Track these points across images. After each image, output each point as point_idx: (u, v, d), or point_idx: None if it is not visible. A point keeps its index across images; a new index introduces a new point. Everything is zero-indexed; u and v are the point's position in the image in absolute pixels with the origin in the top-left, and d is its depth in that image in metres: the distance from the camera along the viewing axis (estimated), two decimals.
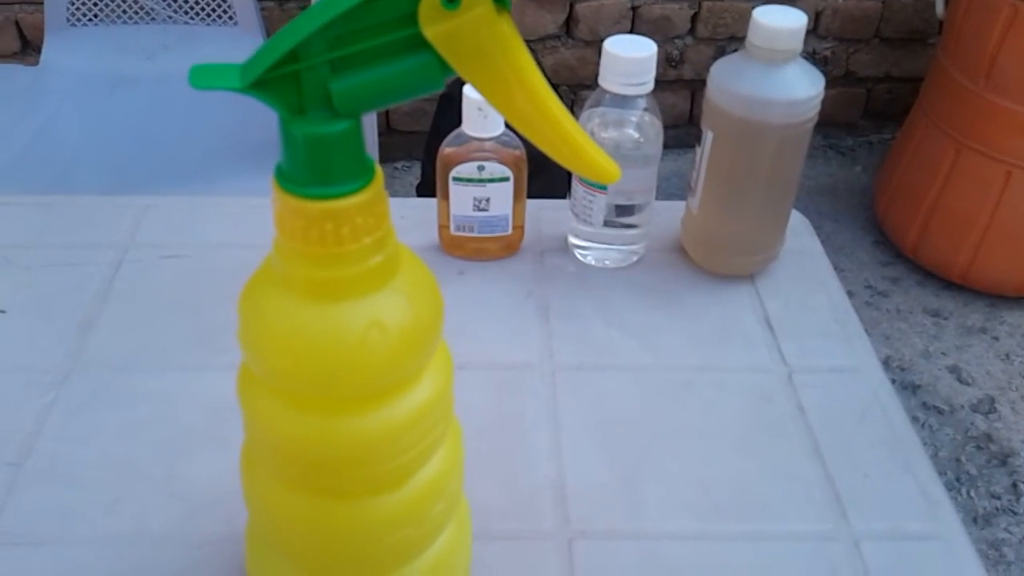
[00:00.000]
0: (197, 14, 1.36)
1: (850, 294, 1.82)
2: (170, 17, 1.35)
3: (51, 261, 0.66)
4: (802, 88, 0.60)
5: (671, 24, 1.96)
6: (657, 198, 0.67)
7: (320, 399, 0.37)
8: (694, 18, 1.96)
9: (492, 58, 0.31)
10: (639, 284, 0.67)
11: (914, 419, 1.59)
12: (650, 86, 0.62)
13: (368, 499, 0.39)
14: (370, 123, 1.30)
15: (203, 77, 0.31)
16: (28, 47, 1.80)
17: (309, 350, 0.35)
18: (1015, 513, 1.45)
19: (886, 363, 1.68)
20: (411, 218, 0.69)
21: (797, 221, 0.73)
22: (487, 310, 0.64)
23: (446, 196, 0.66)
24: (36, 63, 1.32)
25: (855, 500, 0.52)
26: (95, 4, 1.34)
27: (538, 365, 0.60)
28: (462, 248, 0.68)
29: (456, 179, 0.64)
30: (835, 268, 2.05)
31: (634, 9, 1.93)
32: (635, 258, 0.69)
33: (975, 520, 1.45)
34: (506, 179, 0.64)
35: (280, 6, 1.76)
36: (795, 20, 0.59)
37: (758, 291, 0.66)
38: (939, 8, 1.76)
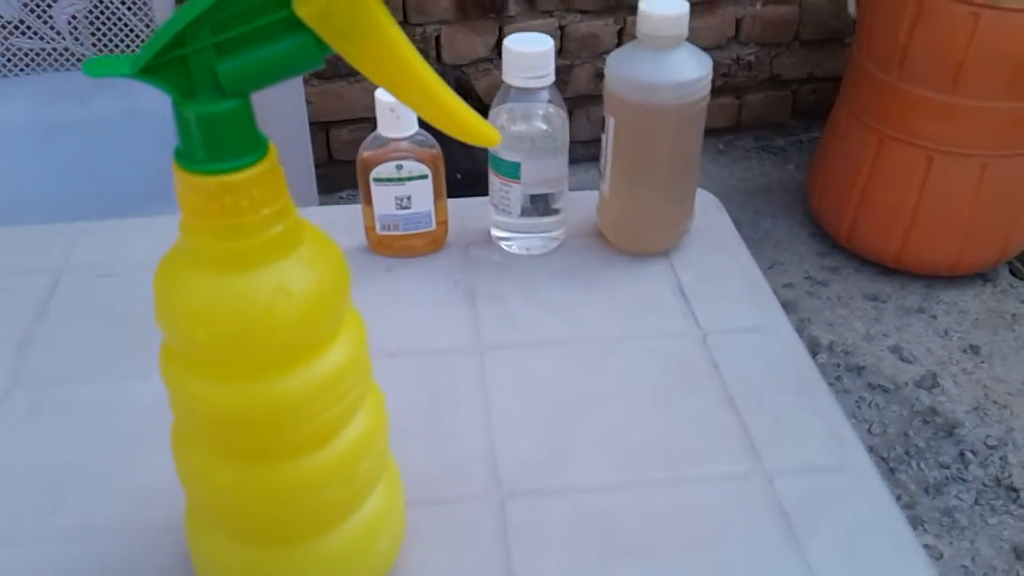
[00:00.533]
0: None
1: (791, 286, 1.87)
2: None
3: None
4: (691, 70, 0.64)
5: (599, 40, 2.02)
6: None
7: (237, 366, 0.39)
8: (620, 33, 2.02)
9: (362, 33, 0.35)
10: (560, 267, 0.70)
11: (860, 399, 1.64)
12: (551, 79, 0.66)
13: (294, 460, 0.41)
14: (306, 155, 1.33)
15: (97, 66, 0.34)
16: None
17: (220, 318, 0.38)
18: (964, 480, 1.50)
19: (830, 348, 1.73)
20: (339, 223, 0.72)
21: (707, 200, 0.76)
22: (416, 301, 0.67)
23: (368, 198, 0.69)
24: None
25: (768, 442, 0.55)
26: (26, 54, 1.36)
27: (466, 347, 0.63)
28: (389, 247, 0.71)
29: (376, 180, 0.67)
30: (775, 263, 2.08)
31: (561, 28, 1.99)
32: (556, 244, 0.72)
33: (927, 491, 1.49)
34: (424, 176, 0.67)
35: None
36: (679, 8, 0.63)
37: (672, 265, 0.70)
38: (851, 7, 1.84)
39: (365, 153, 0.67)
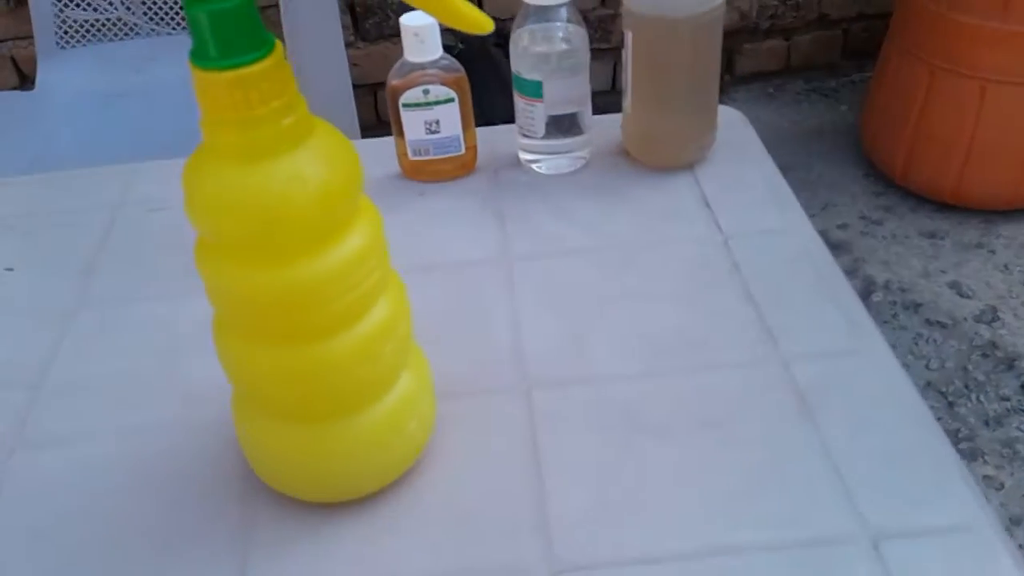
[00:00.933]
0: (179, 24, 1.44)
1: (844, 226, 1.86)
2: (153, 30, 1.42)
3: (51, 224, 0.73)
4: None
5: None
6: None
7: (262, 253, 0.43)
8: None
9: None
10: (586, 184, 0.72)
11: (918, 336, 1.63)
12: None
13: (324, 341, 0.45)
14: (351, 116, 1.36)
15: None
16: (26, 81, 1.90)
17: (240, 208, 0.41)
18: None
19: (886, 286, 1.72)
20: (373, 153, 0.75)
21: (733, 115, 0.78)
22: (447, 221, 0.70)
23: (399, 125, 0.72)
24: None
25: (785, 331, 0.57)
26: (81, 26, 1.42)
27: (495, 259, 0.66)
28: (421, 172, 0.74)
29: (405, 105, 0.70)
30: (828, 204, 2.06)
31: None
32: (582, 163, 0.74)
33: (987, 423, 1.48)
34: (451, 100, 0.70)
35: (262, 13, 1.83)
36: None
37: (696, 178, 0.72)
38: None
39: (394, 81, 0.70)
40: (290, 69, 0.41)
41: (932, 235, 1.83)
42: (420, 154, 0.73)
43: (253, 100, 0.39)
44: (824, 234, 1.85)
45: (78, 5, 1.41)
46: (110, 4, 1.41)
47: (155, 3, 1.43)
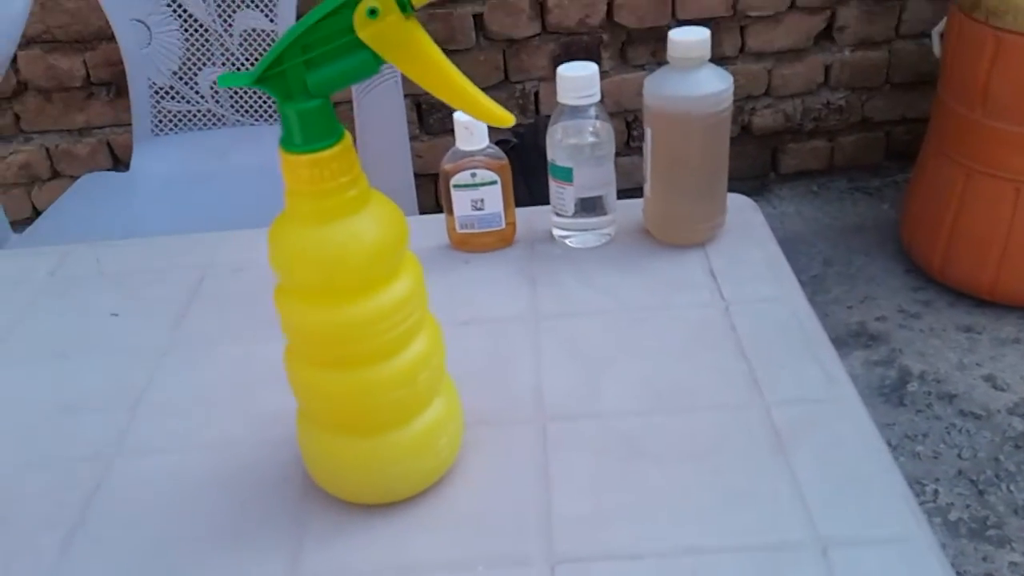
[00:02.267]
0: (260, 116, 1.60)
1: (883, 319, 1.93)
2: (238, 121, 1.59)
3: (150, 280, 0.86)
4: (712, 85, 0.77)
5: None
6: None
7: (325, 295, 0.54)
8: None
9: (407, 46, 0.50)
10: (610, 257, 0.83)
11: (951, 426, 1.67)
12: (596, 97, 0.80)
13: (371, 367, 0.56)
14: (411, 201, 1.48)
15: (227, 79, 0.50)
16: (118, 163, 2.10)
17: (310, 258, 0.53)
18: None
19: (921, 377, 1.77)
20: (428, 229, 0.87)
21: (743, 202, 0.88)
22: (487, 285, 0.81)
23: (450, 203, 0.83)
24: None
25: (769, 382, 0.66)
26: (175, 116, 1.59)
27: (525, 317, 0.76)
28: (467, 244, 0.85)
29: (455, 186, 0.82)
30: (867, 297, 2.14)
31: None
32: (607, 239, 0.85)
33: (1016, 512, 1.51)
34: (495, 182, 0.82)
35: (336, 109, 2.01)
36: (700, 34, 0.76)
37: (706, 253, 0.82)
38: (935, 48, 1.91)
39: (446, 165, 0.82)
40: (355, 153, 0.53)
41: (969, 329, 1.88)
42: (467, 228, 0.84)
43: (325, 176, 0.51)
44: (862, 325, 1.93)
45: (172, 97, 1.58)
46: (200, 97, 1.59)
47: (240, 97, 1.60)
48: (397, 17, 0.48)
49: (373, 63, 0.50)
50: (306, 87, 0.50)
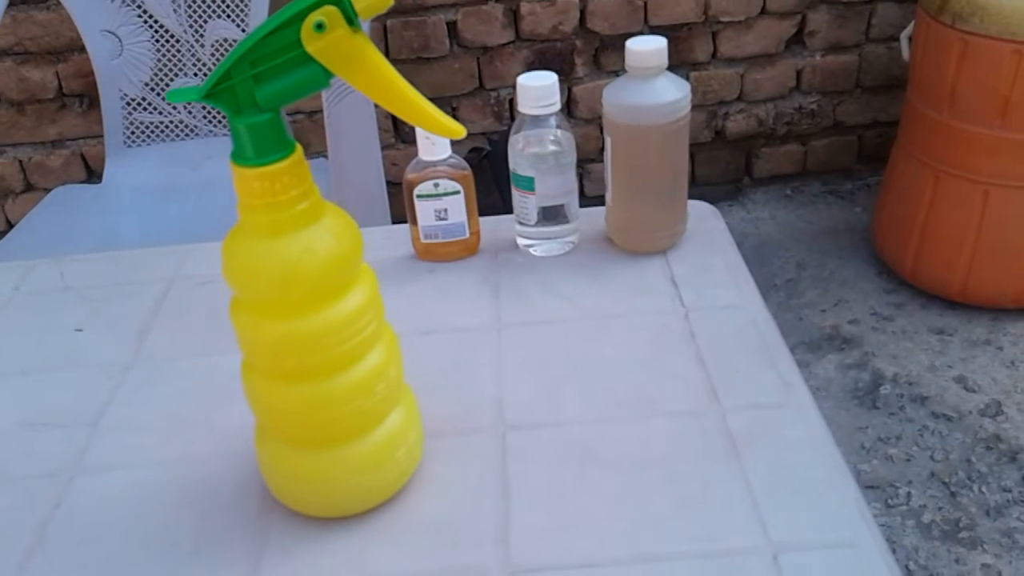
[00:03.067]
0: None
1: (856, 322, 1.94)
2: (210, 131, 1.59)
3: (115, 294, 0.86)
4: (670, 94, 0.77)
5: None
6: None
7: (279, 307, 0.54)
8: None
9: (355, 60, 0.50)
10: (573, 265, 0.83)
11: (923, 428, 1.69)
12: (557, 106, 0.80)
13: (327, 379, 0.56)
14: (383, 211, 1.48)
15: (176, 95, 0.50)
16: (92, 175, 2.10)
17: (263, 272, 0.53)
18: None
19: (894, 379, 1.79)
20: (393, 238, 0.88)
21: (705, 209, 0.89)
22: (450, 295, 0.81)
23: (413, 213, 0.84)
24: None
25: (726, 388, 0.67)
26: (147, 127, 1.59)
27: (488, 326, 0.77)
28: (432, 253, 0.86)
29: (419, 196, 0.82)
30: (840, 300, 2.16)
31: None
32: (570, 247, 0.85)
33: (987, 513, 1.53)
34: (458, 192, 0.82)
35: (310, 118, 2.02)
36: (657, 44, 0.77)
37: (668, 260, 0.82)
38: (904, 52, 1.93)
39: (409, 175, 0.83)
40: (307, 166, 0.53)
41: (941, 331, 1.90)
42: (430, 238, 0.84)
43: (277, 189, 0.51)
44: (835, 328, 1.94)
45: (144, 109, 1.58)
46: (173, 108, 1.58)
47: (213, 108, 1.59)
48: (345, 31, 0.49)
49: (323, 77, 0.50)
50: (255, 101, 0.50)
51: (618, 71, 2.11)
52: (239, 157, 0.51)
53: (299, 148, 0.53)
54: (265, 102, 0.50)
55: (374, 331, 0.57)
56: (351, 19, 0.49)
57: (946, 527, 1.50)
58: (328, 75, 0.50)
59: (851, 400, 1.76)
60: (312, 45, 0.49)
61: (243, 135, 0.51)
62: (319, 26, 0.48)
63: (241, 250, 0.54)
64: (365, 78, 0.50)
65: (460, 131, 0.52)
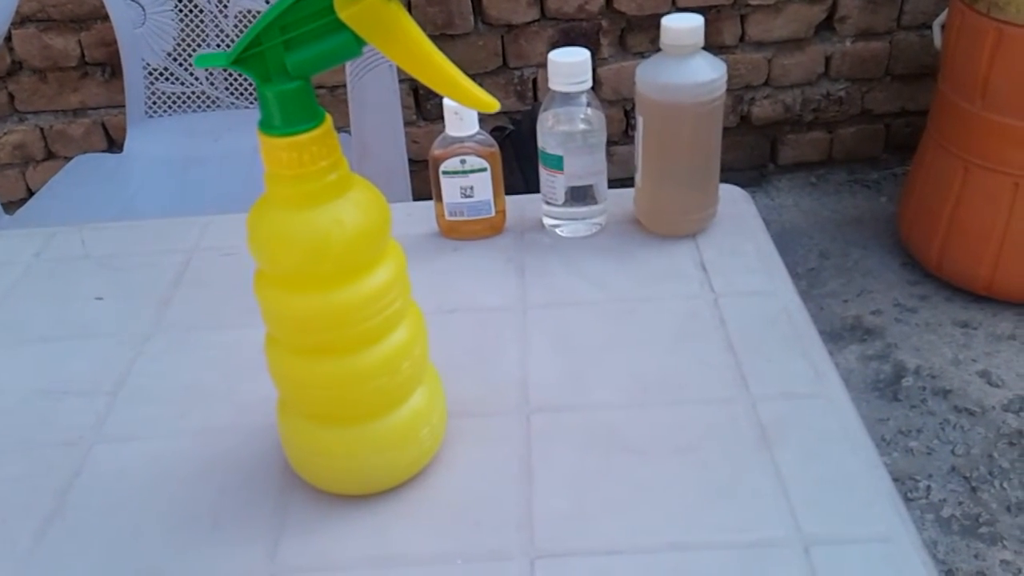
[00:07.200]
0: (255, 98, 1.59)
1: (878, 312, 1.92)
2: (232, 103, 1.58)
3: (137, 263, 0.85)
4: (705, 73, 0.75)
5: None
6: None
7: (306, 281, 0.53)
8: None
9: (388, 28, 0.48)
10: (600, 246, 0.82)
11: (945, 421, 1.67)
12: (588, 84, 0.78)
13: (352, 355, 0.55)
14: (404, 188, 1.47)
15: (204, 61, 0.49)
16: (113, 145, 2.09)
17: (291, 244, 0.52)
18: None
19: (916, 372, 1.77)
20: (416, 215, 0.86)
21: (736, 193, 0.87)
22: (475, 273, 0.80)
23: (439, 190, 0.82)
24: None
25: (756, 376, 0.65)
26: (169, 97, 1.58)
27: (513, 306, 0.75)
28: (457, 231, 0.84)
29: (444, 172, 0.81)
30: (863, 290, 2.13)
31: None
32: (597, 228, 0.84)
33: (1008, 509, 1.51)
34: (484, 169, 0.81)
35: (331, 92, 2.00)
36: (694, 21, 0.75)
37: (697, 244, 0.81)
38: (936, 40, 1.90)
39: (436, 151, 0.81)
40: (336, 136, 0.52)
41: (965, 325, 1.88)
42: (456, 215, 0.83)
43: (305, 160, 0.50)
44: (858, 319, 1.92)
45: (167, 79, 1.57)
46: (195, 79, 1.57)
47: (235, 79, 1.58)
48: None
49: (355, 45, 0.49)
50: (285, 68, 0.49)
51: (644, 52, 2.08)
52: (267, 126, 0.50)
53: (328, 118, 0.51)
54: (295, 69, 0.49)
55: (400, 308, 0.56)
56: None
57: (966, 522, 1.49)
58: (360, 43, 0.49)
59: (872, 392, 1.74)
60: (345, 11, 0.47)
61: (272, 103, 0.49)
62: None
63: (268, 222, 0.53)
64: (399, 47, 0.49)
65: (494, 104, 0.51)
